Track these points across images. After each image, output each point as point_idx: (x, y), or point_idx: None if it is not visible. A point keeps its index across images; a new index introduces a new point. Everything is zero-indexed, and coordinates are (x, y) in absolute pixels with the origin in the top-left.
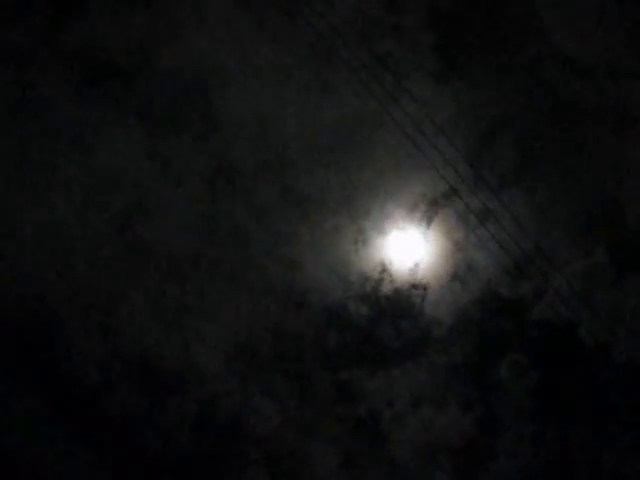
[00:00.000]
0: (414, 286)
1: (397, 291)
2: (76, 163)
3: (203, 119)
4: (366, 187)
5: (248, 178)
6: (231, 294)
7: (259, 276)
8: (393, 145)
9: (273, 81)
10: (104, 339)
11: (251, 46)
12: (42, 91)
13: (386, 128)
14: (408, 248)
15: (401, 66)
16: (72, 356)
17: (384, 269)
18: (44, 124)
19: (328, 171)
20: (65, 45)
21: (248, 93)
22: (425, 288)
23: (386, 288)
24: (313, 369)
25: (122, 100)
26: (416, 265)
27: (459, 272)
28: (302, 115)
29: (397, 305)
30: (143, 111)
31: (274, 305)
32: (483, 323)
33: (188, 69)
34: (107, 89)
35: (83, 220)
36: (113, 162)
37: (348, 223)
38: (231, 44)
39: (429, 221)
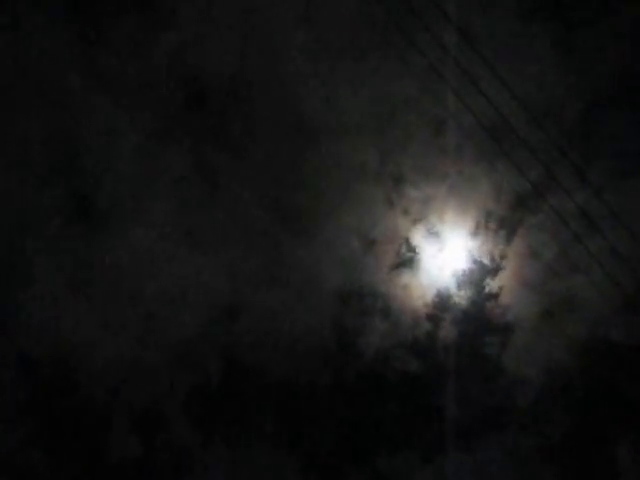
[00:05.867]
0: (488, 329)
1: (462, 336)
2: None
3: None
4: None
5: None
6: None
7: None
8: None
9: None
10: None
11: None
12: None
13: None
14: (478, 272)
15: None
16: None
17: (442, 303)
18: None
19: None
20: None
21: None
22: (505, 331)
23: (446, 332)
24: (340, 454)
25: None
26: (490, 297)
27: (552, 308)
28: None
29: (463, 358)
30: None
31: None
32: (589, 383)
33: None
34: None
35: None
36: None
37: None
38: None
39: (510, 233)
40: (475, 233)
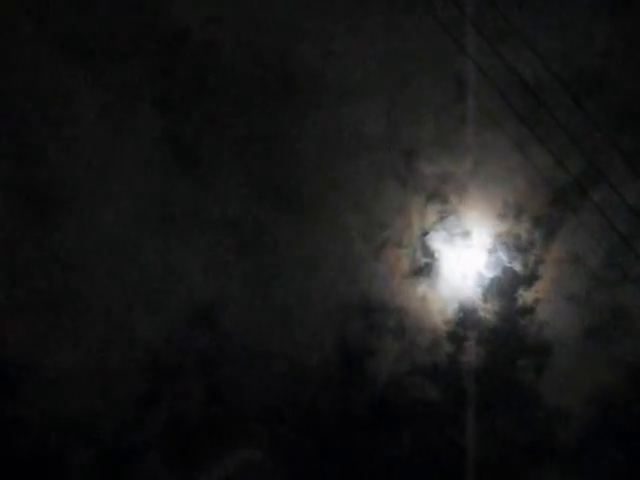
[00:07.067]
0: (522, 349)
1: (491, 359)
2: None
3: None
4: None
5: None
6: None
7: None
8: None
9: None
10: None
11: None
12: None
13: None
14: (509, 282)
15: None
16: None
17: (466, 319)
18: None
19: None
20: None
21: None
22: (542, 353)
23: (471, 354)
24: None
25: None
26: (524, 312)
27: (598, 324)
28: None
29: (491, 385)
30: None
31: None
32: None
33: None
34: None
35: None
36: None
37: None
38: None
39: (547, 235)
40: (506, 235)
